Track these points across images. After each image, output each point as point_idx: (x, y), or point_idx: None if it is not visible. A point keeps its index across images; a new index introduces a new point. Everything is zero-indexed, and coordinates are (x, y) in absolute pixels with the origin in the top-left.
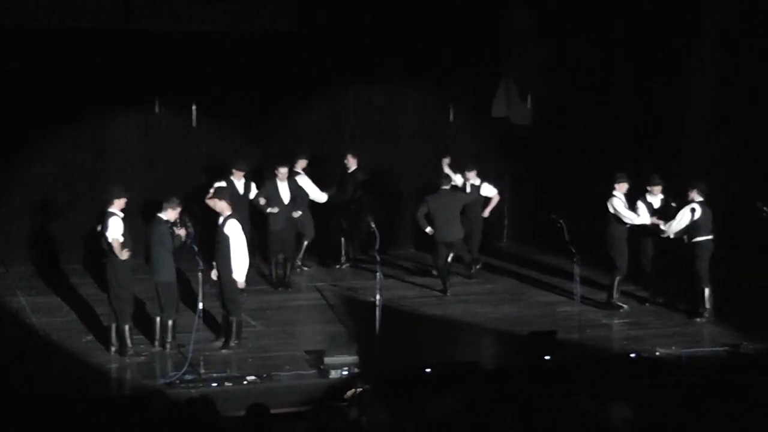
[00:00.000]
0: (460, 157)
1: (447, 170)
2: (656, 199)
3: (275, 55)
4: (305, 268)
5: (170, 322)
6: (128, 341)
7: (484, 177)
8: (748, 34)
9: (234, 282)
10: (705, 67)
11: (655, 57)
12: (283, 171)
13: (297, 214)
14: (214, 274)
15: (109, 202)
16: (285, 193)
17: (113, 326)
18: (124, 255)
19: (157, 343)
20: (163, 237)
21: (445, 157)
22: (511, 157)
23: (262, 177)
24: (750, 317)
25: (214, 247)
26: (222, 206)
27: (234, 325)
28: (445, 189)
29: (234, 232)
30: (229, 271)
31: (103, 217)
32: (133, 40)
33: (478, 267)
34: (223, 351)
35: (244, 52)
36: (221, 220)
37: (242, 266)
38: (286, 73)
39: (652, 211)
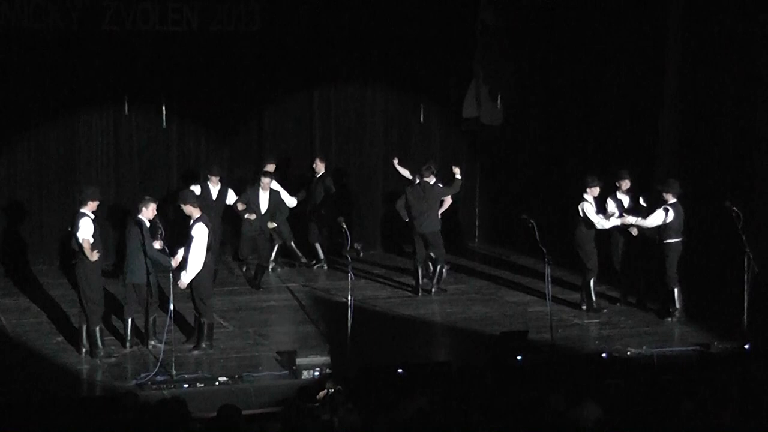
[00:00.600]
0: (429, 157)
1: (400, 170)
2: (626, 197)
3: (245, 56)
4: (279, 269)
5: (149, 321)
6: (99, 342)
7: (438, 177)
8: (714, 34)
9: (205, 282)
10: (676, 68)
11: (627, 58)
12: (266, 181)
13: (272, 225)
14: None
15: (83, 203)
16: (264, 203)
17: (84, 327)
18: (94, 256)
19: (128, 344)
20: (138, 238)
21: (394, 157)
22: (483, 157)
23: (242, 183)
24: (720, 317)
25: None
26: (189, 210)
27: (205, 326)
28: (426, 181)
29: (198, 233)
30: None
31: (74, 217)
32: (102, 40)
33: (439, 288)
34: (195, 352)
35: (214, 53)
36: (191, 222)
37: (193, 268)
38: (256, 73)
39: (623, 209)
